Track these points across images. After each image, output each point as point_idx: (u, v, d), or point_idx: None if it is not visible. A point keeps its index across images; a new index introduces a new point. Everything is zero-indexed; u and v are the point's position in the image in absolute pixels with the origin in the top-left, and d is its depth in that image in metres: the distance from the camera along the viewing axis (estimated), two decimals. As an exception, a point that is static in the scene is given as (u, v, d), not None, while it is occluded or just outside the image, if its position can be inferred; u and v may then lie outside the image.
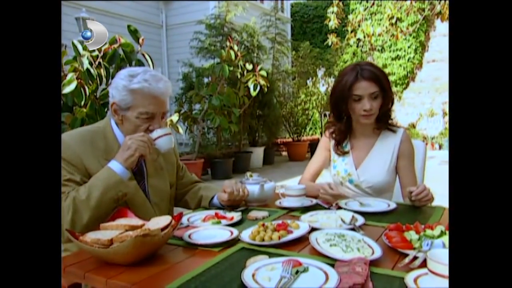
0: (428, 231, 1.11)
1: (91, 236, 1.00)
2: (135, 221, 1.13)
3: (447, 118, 10.39)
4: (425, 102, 11.48)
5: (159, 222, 1.08)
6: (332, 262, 0.96)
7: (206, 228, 1.27)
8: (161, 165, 1.56)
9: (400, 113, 11.79)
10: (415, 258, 0.97)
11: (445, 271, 0.77)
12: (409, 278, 0.85)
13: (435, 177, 5.46)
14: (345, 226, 1.25)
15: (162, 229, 1.04)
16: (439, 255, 0.81)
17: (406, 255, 1.00)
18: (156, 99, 1.38)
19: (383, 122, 1.79)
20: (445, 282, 0.77)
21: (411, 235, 1.10)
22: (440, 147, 10.17)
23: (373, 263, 0.96)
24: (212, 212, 1.46)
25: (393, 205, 1.52)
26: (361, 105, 1.68)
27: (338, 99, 1.73)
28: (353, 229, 1.22)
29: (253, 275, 0.88)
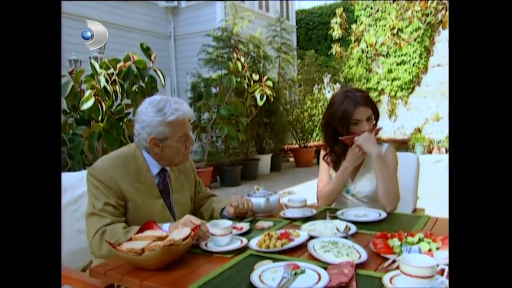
0: (409, 238, 1.30)
1: (126, 246, 1.21)
2: (159, 232, 1.34)
3: (452, 122, 10.43)
4: (431, 106, 11.58)
5: (181, 233, 1.28)
6: (325, 265, 1.15)
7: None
8: (182, 181, 1.75)
9: (406, 118, 11.89)
10: (394, 261, 1.17)
11: (412, 271, 0.96)
12: (385, 278, 1.04)
13: (441, 181, 5.55)
14: (339, 234, 1.44)
15: (184, 239, 1.25)
16: (408, 259, 1.01)
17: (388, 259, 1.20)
18: (187, 120, 1.61)
19: None
20: (413, 281, 0.96)
21: (394, 242, 1.29)
22: (447, 151, 10.25)
23: (359, 266, 1.14)
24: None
25: (384, 215, 1.71)
26: (359, 127, 1.91)
27: (338, 124, 1.93)
28: (345, 237, 1.41)
29: (259, 276, 1.08)
